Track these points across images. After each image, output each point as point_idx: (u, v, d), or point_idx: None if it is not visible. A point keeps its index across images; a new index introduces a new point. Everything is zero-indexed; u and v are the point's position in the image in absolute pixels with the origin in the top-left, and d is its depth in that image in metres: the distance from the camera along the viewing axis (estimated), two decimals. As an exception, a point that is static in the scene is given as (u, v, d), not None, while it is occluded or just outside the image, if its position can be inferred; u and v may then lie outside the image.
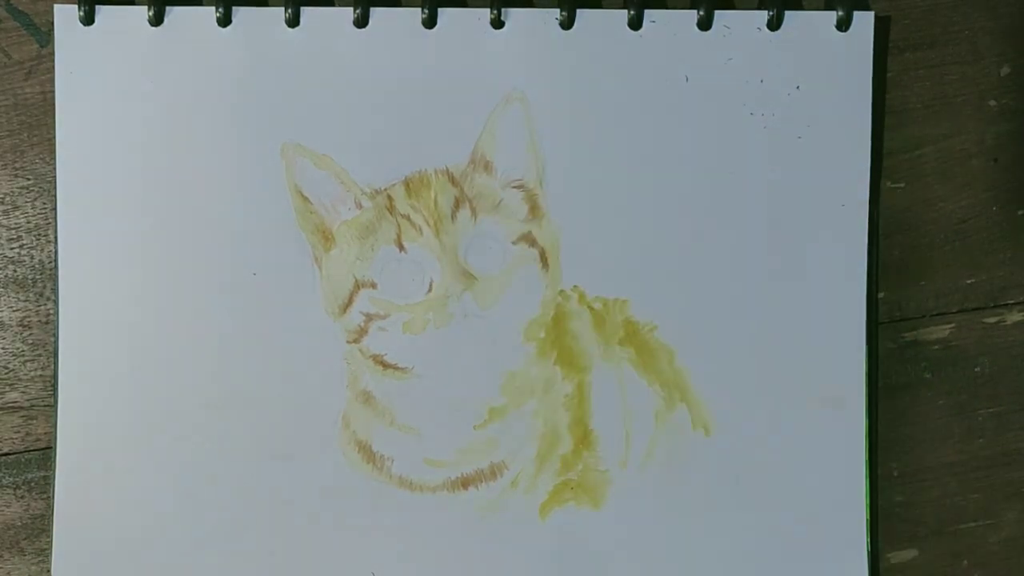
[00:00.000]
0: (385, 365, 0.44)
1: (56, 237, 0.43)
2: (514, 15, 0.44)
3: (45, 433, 0.44)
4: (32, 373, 0.44)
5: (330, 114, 0.44)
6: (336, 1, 0.44)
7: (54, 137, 0.43)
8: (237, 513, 0.44)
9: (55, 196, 0.43)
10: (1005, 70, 0.47)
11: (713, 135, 0.45)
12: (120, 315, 0.43)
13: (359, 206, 0.44)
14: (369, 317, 0.44)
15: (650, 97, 0.44)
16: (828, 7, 0.45)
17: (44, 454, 0.44)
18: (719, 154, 0.45)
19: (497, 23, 0.44)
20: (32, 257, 0.44)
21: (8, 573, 0.44)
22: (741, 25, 0.45)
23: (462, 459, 0.45)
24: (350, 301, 0.44)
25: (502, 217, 0.44)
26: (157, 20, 0.43)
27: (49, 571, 0.43)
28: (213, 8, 0.43)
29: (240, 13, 0.43)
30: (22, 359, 0.44)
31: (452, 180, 0.44)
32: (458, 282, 0.44)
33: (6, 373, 0.44)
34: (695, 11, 0.44)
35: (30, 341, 0.44)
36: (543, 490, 0.45)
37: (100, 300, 0.43)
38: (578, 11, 0.44)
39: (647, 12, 0.44)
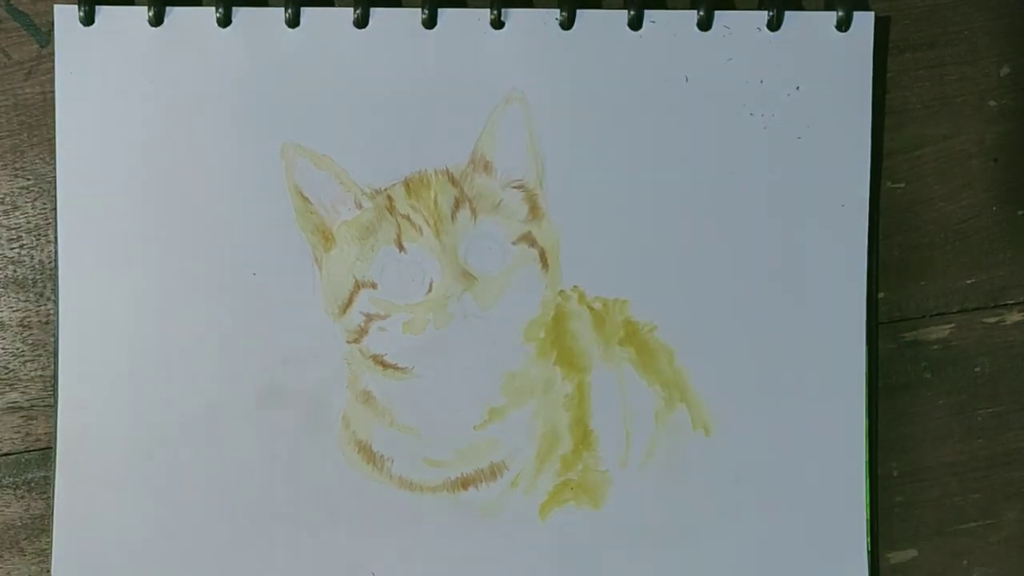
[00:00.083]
0: (385, 365, 0.44)
1: (56, 237, 0.43)
2: (514, 15, 0.44)
3: (45, 433, 0.44)
4: (32, 373, 0.44)
5: (330, 114, 0.44)
6: (336, 1, 0.44)
7: (54, 137, 0.43)
8: (237, 513, 0.44)
9: (55, 196, 0.43)
10: (1005, 70, 0.47)
11: (713, 135, 0.45)
12: (120, 315, 0.43)
13: (359, 206, 0.44)
14: (369, 317, 0.44)
15: (650, 97, 0.44)
16: (828, 7, 0.45)
17: (44, 454, 0.44)
18: (719, 154, 0.45)
19: (497, 23, 0.44)
20: (32, 257, 0.44)
21: (8, 573, 0.44)
22: (741, 25, 0.45)
23: (462, 459, 0.45)
24: (350, 301, 0.44)
25: (502, 217, 0.44)
26: (157, 20, 0.43)
27: (49, 571, 0.43)
28: (213, 8, 0.43)
29: (240, 13, 0.43)
30: (22, 359, 0.44)
31: (452, 180, 0.44)
32: (458, 282, 0.44)
33: (6, 373, 0.44)
34: (695, 11, 0.44)
35: (30, 341, 0.44)
36: (543, 490, 0.45)
37: (100, 300, 0.43)
38: (578, 11, 0.44)
39: (647, 12, 0.44)
